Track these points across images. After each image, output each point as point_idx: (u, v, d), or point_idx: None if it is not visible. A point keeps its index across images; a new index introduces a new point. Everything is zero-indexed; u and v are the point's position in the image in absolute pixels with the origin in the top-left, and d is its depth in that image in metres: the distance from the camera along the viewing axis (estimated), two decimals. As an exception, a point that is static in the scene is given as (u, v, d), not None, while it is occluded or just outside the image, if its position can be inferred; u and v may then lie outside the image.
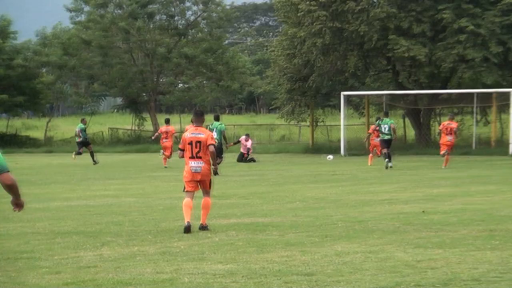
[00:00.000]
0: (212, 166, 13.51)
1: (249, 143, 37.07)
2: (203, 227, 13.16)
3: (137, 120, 57.10)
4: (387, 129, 29.20)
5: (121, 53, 56.44)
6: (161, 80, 59.08)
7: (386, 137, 29.24)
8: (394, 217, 14.53)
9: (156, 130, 55.22)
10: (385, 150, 29.19)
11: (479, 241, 11.53)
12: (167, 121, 33.40)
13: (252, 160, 36.40)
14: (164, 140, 32.37)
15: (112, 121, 65.68)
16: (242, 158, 36.30)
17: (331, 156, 37.25)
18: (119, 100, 64.55)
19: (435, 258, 10.15)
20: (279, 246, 11.39)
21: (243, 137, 37.28)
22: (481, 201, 17.26)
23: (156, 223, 14.33)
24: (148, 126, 56.89)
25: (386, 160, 28.93)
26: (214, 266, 9.94)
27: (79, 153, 35.29)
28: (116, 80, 55.46)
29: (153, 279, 9.18)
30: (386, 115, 30.55)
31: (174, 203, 17.57)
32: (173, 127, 33.78)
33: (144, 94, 57.22)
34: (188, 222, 13.00)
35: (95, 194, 20.55)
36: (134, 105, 57.67)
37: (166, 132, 32.38)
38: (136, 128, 56.91)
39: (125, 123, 59.11)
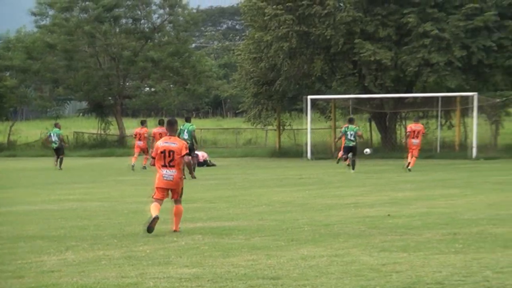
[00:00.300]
0: (189, 175, 13.77)
1: (200, 157, 37.14)
2: (176, 231, 13.30)
3: (103, 124, 56.80)
4: (353, 135, 29.39)
5: (86, 57, 56.11)
6: (127, 84, 58.84)
7: (351, 143, 29.41)
8: (360, 221, 14.59)
9: (122, 134, 55.12)
10: (348, 156, 29.48)
11: (442, 244, 11.61)
12: (143, 123, 34.07)
13: (213, 164, 36.41)
14: (138, 142, 32.92)
15: (77, 125, 65.25)
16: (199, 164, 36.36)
17: (368, 150, 37.39)
18: (84, 104, 64.14)
19: (400, 262, 10.20)
20: (245, 250, 11.38)
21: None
22: (445, 205, 17.38)
23: (121, 227, 14.27)
24: (114, 130, 56.62)
25: (346, 157, 29.35)
26: (180, 270, 9.91)
27: (59, 158, 34.99)
28: (82, 84, 55.12)
29: (118, 284, 9.13)
30: (351, 121, 30.55)
31: (139, 207, 17.51)
32: (146, 129, 33.90)
33: (109, 98, 56.93)
34: (152, 216, 13.00)
35: (59, 198, 20.40)
36: (99, 109, 57.36)
37: (140, 134, 32.91)
38: (102, 132, 56.61)
39: (90, 127, 58.78)
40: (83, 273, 9.77)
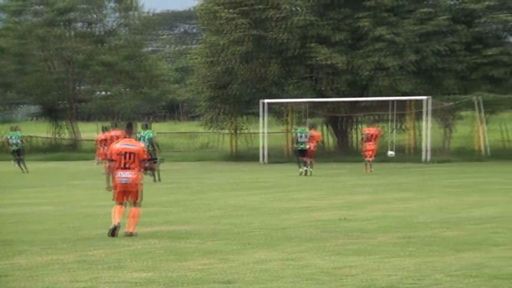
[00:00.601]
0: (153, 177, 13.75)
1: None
2: (130, 234, 13.17)
3: (55, 128, 56.21)
4: (303, 137, 29.60)
5: (38, 60, 55.50)
6: (82, 87, 58.38)
7: (301, 146, 29.62)
8: (314, 225, 14.62)
9: (75, 138, 54.62)
10: (304, 159, 29.69)
11: (396, 247, 11.68)
12: (107, 129, 33.85)
13: (161, 160, 35.92)
14: (104, 146, 32.79)
15: (30, 129, 64.41)
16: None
17: (392, 153, 37.63)
18: (37, 108, 63.45)
19: (353, 265, 10.23)
20: (199, 254, 11.35)
21: None
22: (398, 208, 17.51)
23: (74, 232, 14.13)
24: (68, 134, 56.08)
25: (303, 168, 29.49)
26: (133, 274, 9.84)
27: (21, 160, 34.73)
28: (34, 88, 54.52)
29: (70, 288, 9.04)
30: (305, 124, 30.99)
31: (93, 211, 17.39)
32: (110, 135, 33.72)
33: (63, 101, 56.36)
34: (115, 224, 13.08)
35: (11, 203, 20.14)
36: (52, 113, 56.78)
37: (105, 140, 32.87)
38: (57, 135, 56.05)
39: (43, 131, 58.13)
40: (34, 278, 9.65)
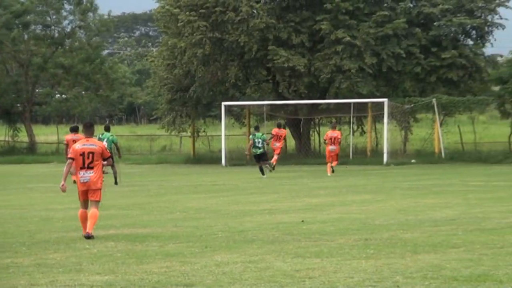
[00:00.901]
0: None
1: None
2: (88, 236, 13.16)
3: (11, 131, 55.63)
4: (260, 143, 29.91)
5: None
6: (39, 90, 57.86)
7: (259, 151, 29.91)
8: (274, 227, 14.63)
9: (31, 141, 54.07)
10: (260, 164, 30.03)
11: (355, 250, 11.72)
12: (74, 130, 33.18)
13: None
14: (68, 150, 32.24)
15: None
16: None
17: (413, 160, 37.91)
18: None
19: (313, 268, 10.25)
20: (159, 257, 11.29)
21: None
22: (357, 210, 17.59)
23: (30, 235, 13.99)
24: (23, 137, 55.61)
25: (266, 167, 29.84)
26: (92, 277, 9.76)
27: None
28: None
29: (28, 293, 8.94)
30: (257, 129, 31.65)
31: (50, 215, 17.23)
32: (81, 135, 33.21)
33: (18, 105, 55.79)
34: (85, 233, 13.31)
35: (-33, 206, 19.88)
36: (7, 116, 56.16)
37: (67, 143, 32.42)
38: (10, 139, 55.48)
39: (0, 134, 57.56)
40: (-9, 282, 9.54)
